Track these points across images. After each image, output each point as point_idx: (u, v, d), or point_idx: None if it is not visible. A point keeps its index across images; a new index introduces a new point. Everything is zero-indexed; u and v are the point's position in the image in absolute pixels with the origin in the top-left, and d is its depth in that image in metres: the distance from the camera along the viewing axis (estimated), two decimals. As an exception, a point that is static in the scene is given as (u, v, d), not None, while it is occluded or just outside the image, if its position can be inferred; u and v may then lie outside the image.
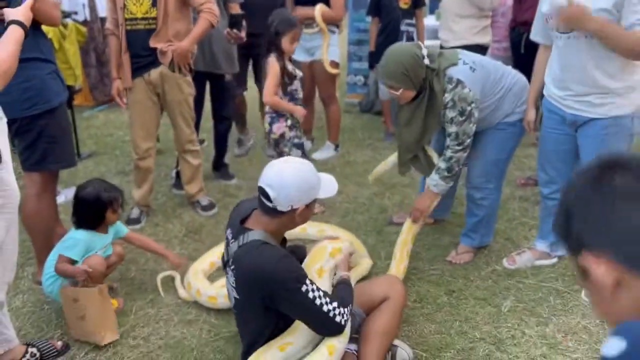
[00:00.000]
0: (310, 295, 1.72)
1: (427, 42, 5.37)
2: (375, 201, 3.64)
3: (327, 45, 4.09)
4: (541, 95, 2.66)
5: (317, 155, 4.45)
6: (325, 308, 1.74)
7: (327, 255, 2.03)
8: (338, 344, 1.83)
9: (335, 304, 1.77)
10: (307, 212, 1.84)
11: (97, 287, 2.32)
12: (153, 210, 3.56)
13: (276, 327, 1.87)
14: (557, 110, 2.49)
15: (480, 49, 3.83)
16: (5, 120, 1.79)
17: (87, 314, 2.27)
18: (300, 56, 4.26)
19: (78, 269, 2.35)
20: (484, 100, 2.56)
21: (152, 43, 3.10)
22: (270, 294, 1.73)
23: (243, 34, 3.74)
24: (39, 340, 2.25)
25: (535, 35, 2.63)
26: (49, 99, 2.53)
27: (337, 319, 1.77)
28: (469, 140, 2.55)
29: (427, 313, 2.47)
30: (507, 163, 2.80)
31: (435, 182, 2.65)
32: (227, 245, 1.89)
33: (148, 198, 3.49)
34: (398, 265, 2.66)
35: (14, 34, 1.76)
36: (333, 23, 4.16)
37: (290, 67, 3.22)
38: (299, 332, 1.87)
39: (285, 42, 3.12)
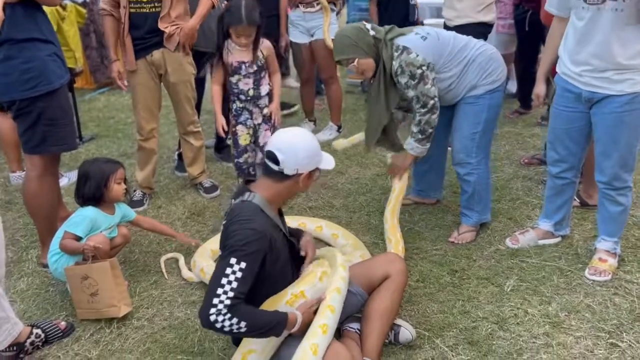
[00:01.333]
0: (227, 270, 1.70)
1: (431, 21, 5.34)
2: (377, 182, 3.63)
3: (328, 23, 4.05)
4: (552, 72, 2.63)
5: (319, 137, 4.42)
6: (219, 291, 1.68)
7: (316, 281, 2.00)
8: (320, 342, 1.78)
9: (229, 302, 1.66)
10: (309, 180, 1.92)
11: (107, 260, 2.32)
12: (156, 192, 3.56)
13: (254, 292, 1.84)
14: (572, 87, 2.44)
15: (485, 27, 3.78)
16: None
17: (100, 288, 2.27)
18: (299, 37, 4.22)
19: (86, 244, 2.33)
20: (444, 70, 2.63)
21: (161, 26, 3.08)
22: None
23: None
24: (43, 321, 2.26)
25: (550, 5, 2.54)
26: (50, 81, 2.51)
27: (212, 310, 1.66)
28: (432, 102, 2.58)
29: (430, 293, 2.47)
30: (485, 136, 2.76)
31: (411, 145, 2.72)
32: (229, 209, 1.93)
33: (151, 180, 3.49)
34: (396, 247, 2.65)
35: None
36: (333, 1, 4.11)
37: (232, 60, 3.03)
38: (278, 307, 1.87)
39: (232, 34, 2.93)
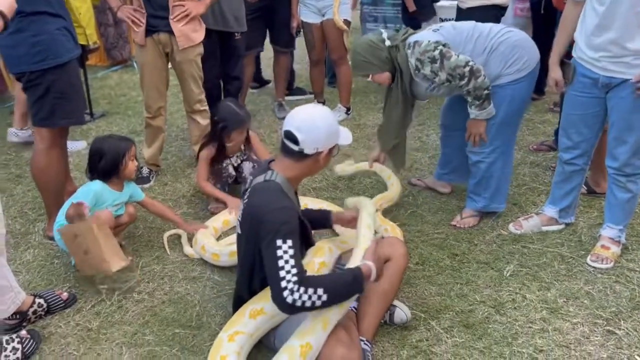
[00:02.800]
0: (279, 252, 1.68)
1: (445, 3, 5.26)
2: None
3: (338, 3, 4.01)
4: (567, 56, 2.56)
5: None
6: (281, 273, 1.66)
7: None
8: (332, 316, 1.80)
9: (295, 278, 1.65)
10: (328, 157, 1.90)
11: (87, 219, 2.32)
12: (162, 169, 3.59)
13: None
14: (588, 72, 2.40)
15: (498, 9, 3.71)
16: None
17: (90, 246, 2.30)
18: (310, 17, 4.19)
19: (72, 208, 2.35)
20: None
21: (173, 2, 3.10)
22: (257, 236, 1.76)
23: None
24: (45, 291, 2.31)
25: None
26: (59, 54, 2.53)
27: (285, 293, 1.64)
28: (467, 69, 2.47)
29: (429, 275, 2.47)
30: (503, 127, 2.67)
31: (475, 113, 2.61)
32: (249, 181, 1.93)
33: (158, 157, 3.52)
34: (394, 231, 2.64)
35: None
36: None
37: (227, 162, 3.07)
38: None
39: (233, 135, 2.97)
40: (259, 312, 1.88)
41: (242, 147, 3.13)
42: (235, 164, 3.11)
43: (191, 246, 2.71)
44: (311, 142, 1.82)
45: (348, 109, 4.51)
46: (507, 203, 3.03)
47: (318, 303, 1.68)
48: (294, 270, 1.66)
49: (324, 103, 4.67)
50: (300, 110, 1.87)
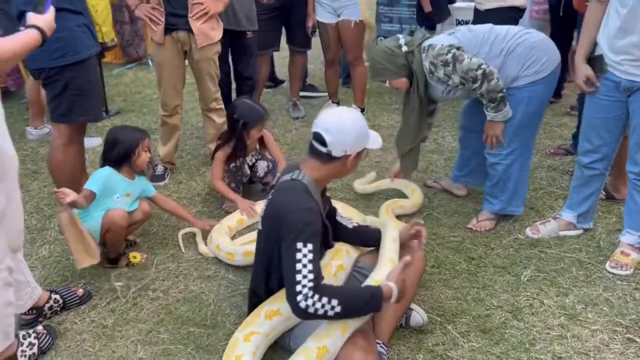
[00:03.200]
0: (298, 255, 1.66)
1: (461, 4, 5.23)
2: (398, 166, 3.59)
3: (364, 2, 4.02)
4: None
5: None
6: (298, 277, 1.64)
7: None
8: (352, 322, 1.78)
9: (311, 284, 1.63)
10: (356, 160, 1.88)
11: (66, 212, 2.29)
12: (177, 167, 3.60)
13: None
14: (611, 76, 2.37)
15: (516, 11, 3.67)
16: None
17: (68, 238, 2.29)
18: (326, 17, 4.17)
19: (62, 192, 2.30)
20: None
21: (191, 0, 3.10)
22: (278, 234, 1.75)
23: None
24: (62, 288, 2.32)
25: None
26: (77, 51, 2.54)
27: (299, 297, 1.63)
28: (479, 72, 2.45)
29: (445, 279, 2.45)
30: (521, 130, 2.63)
31: (491, 116, 2.60)
32: (276, 178, 1.96)
33: (173, 155, 3.53)
34: None
35: (26, 37, 1.67)
36: None
37: (241, 160, 3.06)
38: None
39: (253, 132, 2.97)
40: (275, 312, 1.87)
41: (257, 146, 3.13)
42: (250, 163, 3.10)
43: (206, 245, 2.71)
44: (339, 145, 1.79)
45: (362, 110, 4.48)
46: (524, 207, 2.99)
47: (331, 313, 1.66)
48: (311, 276, 1.65)
49: (338, 103, 4.66)
50: (330, 112, 1.85)
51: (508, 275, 2.47)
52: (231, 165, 3.03)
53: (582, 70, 2.47)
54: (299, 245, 1.67)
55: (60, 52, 2.49)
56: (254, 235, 2.73)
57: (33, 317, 2.18)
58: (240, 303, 2.32)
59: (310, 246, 1.67)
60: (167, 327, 2.20)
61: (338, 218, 2.13)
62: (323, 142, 1.80)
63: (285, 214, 1.72)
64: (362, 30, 4.16)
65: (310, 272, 1.65)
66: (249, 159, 3.10)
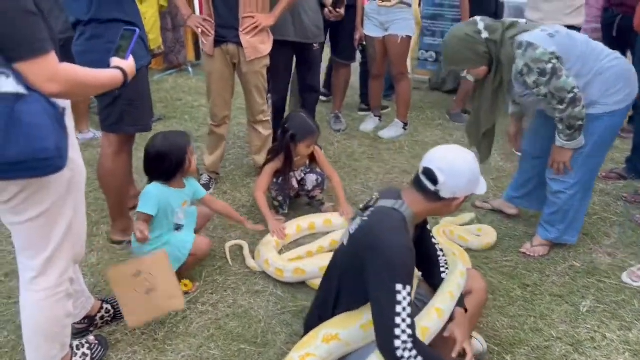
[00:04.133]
0: (398, 297, 1.55)
1: (507, 20, 5.14)
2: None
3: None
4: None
5: (384, 134, 4.36)
6: (397, 319, 1.55)
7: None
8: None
9: (410, 332, 1.55)
10: (461, 204, 1.79)
11: (159, 251, 2.18)
12: (221, 177, 3.59)
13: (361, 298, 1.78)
14: None
15: (574, 30, 3.57)
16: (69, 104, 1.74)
17: (158, 282, 2.08)
18: (374, 31, 4.15)
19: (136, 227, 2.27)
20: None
21: (242, 13, 3.09)
22: (369, 267, 1.64)
23: (342, 11, 3.74)
24: (112, 298, 2.31)
25: None
26: None
27: (397, 343, 1.54)
28: (570, 95, 2.31)
29: (500, 306, 2.38)
30: (591, 159, 2.52)
31: (561, 143, 2.47)
32: (369, 199, 1.83)
33: (218, 165, 3.52)
34: (462, 256, 2.55)
35: (113, 73, 1.68)
36: None
37: (291, 174, 3.05)
38: (348, 327, 1.80)
39: (301, 147, 2.94)
40: (334, 337, 1.81)
41: (307, 162, 3.10)
42: (299, 178, 3.08)
43: (253, 258, 2.68)
44: (451, 187, 1.71)
45: (405, 124, 4.44)
46: (578, 234, 2.91)
47: None
48: (409, 321, 1.56)
49: (380, 117, 4.62)
50: (445, 151, 1.76)
51: (566, 305, 2.38)
52: (279, 179, 3.00)
53: None
54: (399, 286, 1.56)
55: None
56: (301, 251, 2.72)
57: (85, 326, 2.18)
58: (290, 321, 2.28)
59: (408, 289, 1.58)
60: (218, 343, 2.17)
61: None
62: (434, 180, 1.71)
63: (387, 248, 1.62)
64: (408, 45, 4.12)
65: (409, 316, 1.56)
66: (298, 174, 3.07)
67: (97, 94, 1.61)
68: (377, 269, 1.62)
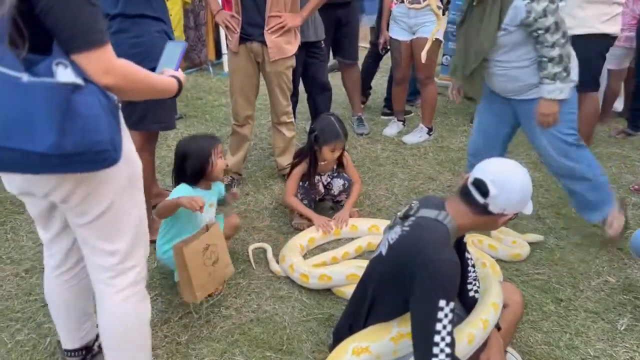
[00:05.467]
0: (440, 314, 1.50)
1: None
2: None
3: (437, 29, 3.87)
4: None
5: (408, 139, 4.28)
6: (436, 338, 1.49)
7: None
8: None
9: (449, 350, 1.49)
10: (507, 221, 1.70)
11: (212, 221, 2.27)
12: (243, 179, 3.54)
13: (397, 309, 1.74)
14: None
15: (608, 39, 3.48)
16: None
17: (219, 252, 2.20)
18: (400, 34, 4.08)
19: (183, 199, 2.23)
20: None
21: (269, 12, 3.04)
22: (413, 281, 1.57)
23: None
24: None
25: None
26: (155, 57, 2.45)
27: None
28: (566, 30, 2.42)
29: (533, 320, 2.29)
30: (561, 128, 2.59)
31: (559, 89, 2.47)
32: (409, 207, 1.76)
33: (241, 166, 3.47)
34: (493, 268, 2.47)
35: (166, 80, 1.59)
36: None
37: (317, 178, 3.00)
38: (379, 340, 1.74)
39: (325, 151, 2.87)
40: (364, 350, 1.75)
41: (334, 167, 3.04)
42: (325, 182, 3.01)
43: (277, 262, 2.62)
44: (501, 202, 1.63)
45: (430, 130, 4.36)
46: (612, 248, 2.82)
47: None
48: (449, 339, 1.50)
49: (404, 122, 4.54)
50: (501, 164, 1.68)
51: (602, 322, 2.29)
52: (306, 183, 2.95)
53: None
54: (442, 302, 1.50)
55: (140, 57, 2.41)
56: (326, 256, 2.65)
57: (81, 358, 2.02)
58: (316, 329, 2.22)
59: (451, 305, 1.51)
60: (242, 348, 2.11)
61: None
62: (484, 193, 1.63)
63: (432, 261, 1.55)
64: (436, 49, 4.04)
65: (449, 334, 1.50)
66: (325, 179, 3.01)
67: (149, 97, 1.53)
68: (422, 282, 1.55)
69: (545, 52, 2.44)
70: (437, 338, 1.49)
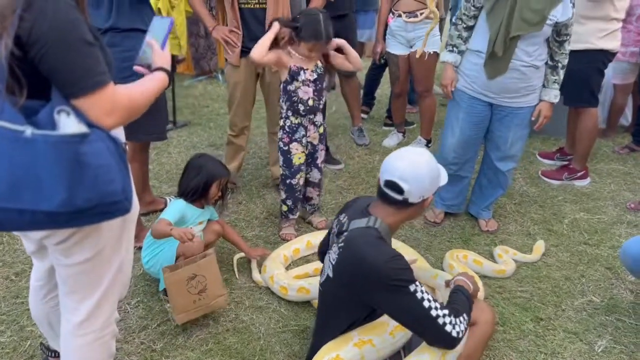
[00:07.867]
0: (419, 295, 1.63)
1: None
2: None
3: (431, 30, 3.85)
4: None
5: (386, 142, 4.39)
6: (434, 312, 1.64)
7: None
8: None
9: (446, 311, 1.67)
10: (430, 200, 1.82)
11: (209, 252, 2.30)
12: (238, 187, 3.58)
13: (358, 322, 1.83)
14: None
15: (605, 55, 3.45)
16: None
17: (208, 282, 2.24)
18: (398, 49, 4.08)
19: (177, 230, 2.25)
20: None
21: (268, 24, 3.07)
22: (371, 291, 1.66)
23: None
24: None
25: None
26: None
27: (447, 327, 1.65)
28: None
29: (509, 339, 2.28)
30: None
31: (558, 93, 2.73)
32: (340, 223, 1.86)
33: (236, 175, 3.52)
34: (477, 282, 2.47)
35: (156, 79, 1.53)
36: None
37: (297, 84, 2.79)
38: (380, 333, 1.82)
39: (303, 47, 2.72)
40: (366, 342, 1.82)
41: (313, 65, 2.81)
42: (312, 78, 2.79)
43: (260, 272, 2.65)
44: (417, 192, 1.74)
45: (429, 141, 4.36)
46: (600, 266, 2.78)
47: (464, 327, 1.71)
48: (436, 304, 1.67)
49: (404, 134, 4.55)
50: (401, 158, 1.76)
51: (580, 343, 2.27)
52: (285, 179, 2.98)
53: None
54: (412, 287, 1.64)
55: (129, 71, 2.46)
56: (308, 267, 2.67)
57: None
58: (290, 341, 2.24)
59: (419, 283, 1.66)
60: (215, 358, 2.14)
61: None
62: (399, 191, 1.73)
63: (379, 270, 1.62)
64: (434, 61, 4.04)
65: (434, 301, 1.66)
66: (308, 74, 2.78)
67: (145, 105, 1.49)
68: (382, 288, 1.65)
69: (561, 59, 2.64)
70: (434, 313, 1.64)
